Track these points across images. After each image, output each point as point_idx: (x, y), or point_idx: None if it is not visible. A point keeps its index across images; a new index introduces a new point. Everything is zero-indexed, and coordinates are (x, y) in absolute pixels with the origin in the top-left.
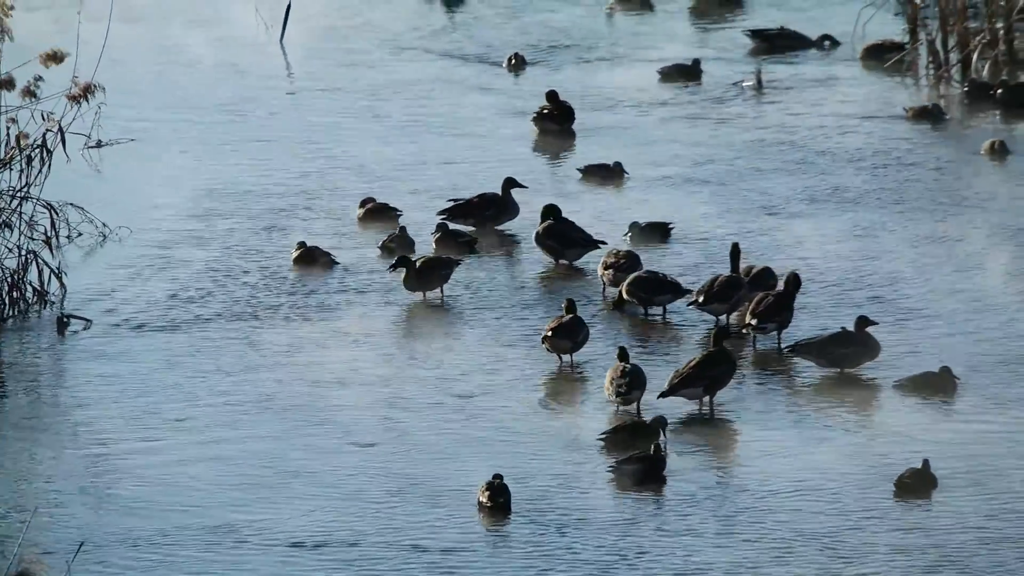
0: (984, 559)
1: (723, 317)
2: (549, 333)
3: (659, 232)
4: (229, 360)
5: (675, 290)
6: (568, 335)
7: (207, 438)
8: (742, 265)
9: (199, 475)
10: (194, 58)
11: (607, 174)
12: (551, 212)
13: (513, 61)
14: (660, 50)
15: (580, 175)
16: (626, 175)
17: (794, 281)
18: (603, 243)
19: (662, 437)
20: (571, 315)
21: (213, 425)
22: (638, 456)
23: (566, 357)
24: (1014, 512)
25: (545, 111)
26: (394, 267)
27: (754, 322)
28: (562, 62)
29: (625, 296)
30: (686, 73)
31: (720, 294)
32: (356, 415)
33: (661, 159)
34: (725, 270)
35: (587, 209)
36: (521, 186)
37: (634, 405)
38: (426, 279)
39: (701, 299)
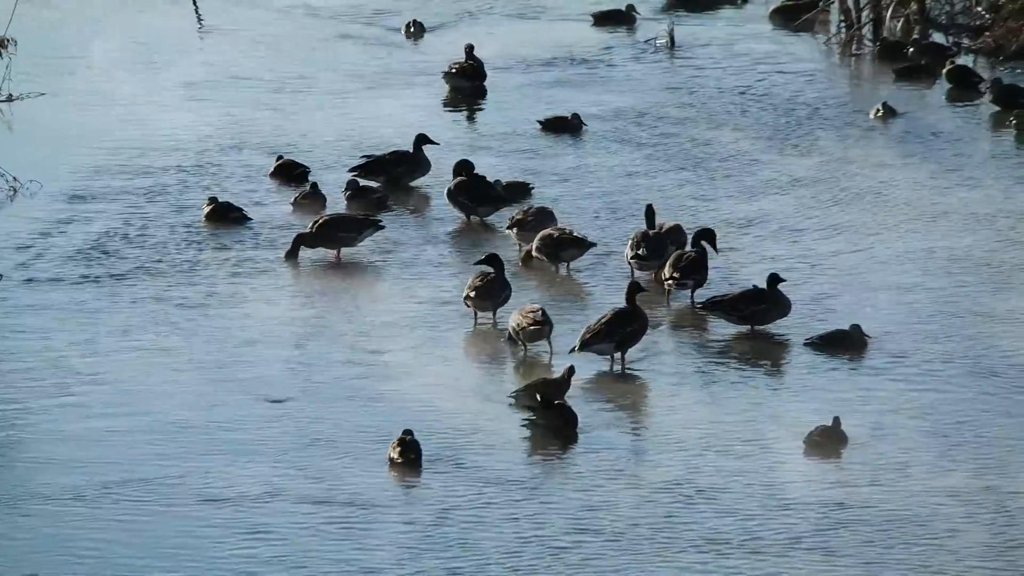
0: (893, 514)
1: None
2: (472, 293)
3: (520, 191)
4: (141, 315)
5: (579, 245)
6: (490, 295)
7: (120, 392)
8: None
9: (111, 430)
10: (104, 14)
11: (564, 126)
12: (464, 168)
13: (411, 28)
14: (573, 7)
15: (539, 127)
16: (584, 127)
17: (707, 238)
18: (514, 202)
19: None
20: (494, 274)
21: (126, 380)
22: (542, 411)
23: (484, 315)
24: (923, 469)
25: (455, 69)
26: (290, 254)
27: (676, 275)
28: (465, 24)
29: (534, 254)
30: (619, 18)
31: (658, 251)
32: (268, 371)
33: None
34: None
35: (547, 164)
36: (433, 142)
37: (545, 343)
38: (325, 237)
39: (642, 251)
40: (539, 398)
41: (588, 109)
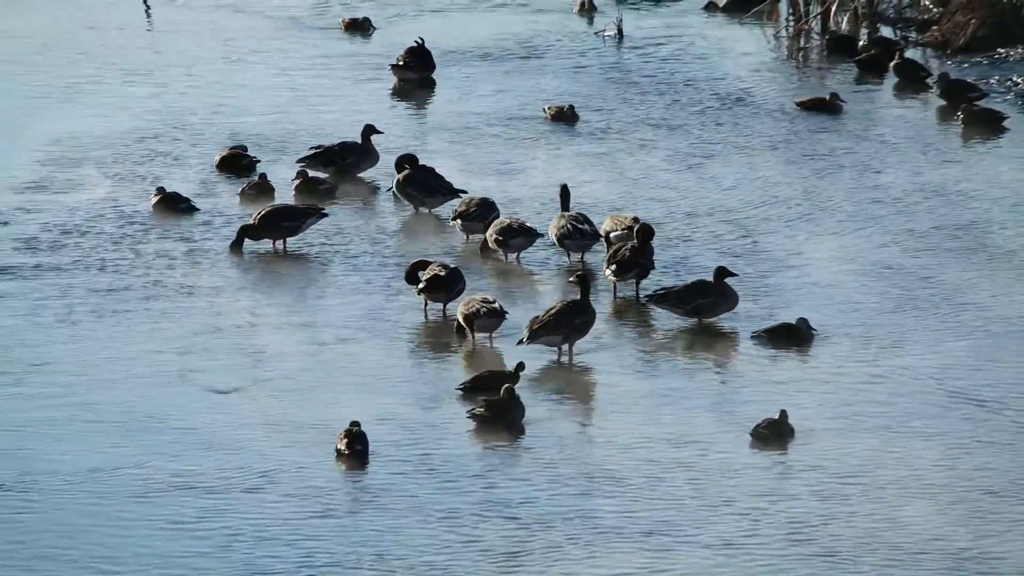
0: (840, 507)
1: (577, 257)
2: (423, 285)
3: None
4: (88, 307)
5: (528, 234)
6: (444, 288)
7: (66, 383)
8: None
9: (58, 420)
10: (50, 5)
11: (562, 116)
12: (406, 161)
13: (359, 22)
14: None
15: (545, 115)
16: (578, 119)
17: (645, 232)
18: (463, 192)
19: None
20: (450, 267)
21: (72, 371)
22: (488, 402)
23: (435, 305)
24: (868, 462)
25: (403, 60)
26: (234, 246)
27: (613, 267)
28: (414, 16)
29: (490, 244)
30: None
31: (584, 231)
32: (216, 362)
33: (521, 106)
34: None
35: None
36: (379, 132)
37: (489, 336)
38: (268, 227)
39: (545, 238)
40: (484, 407)
41: (535, 100)
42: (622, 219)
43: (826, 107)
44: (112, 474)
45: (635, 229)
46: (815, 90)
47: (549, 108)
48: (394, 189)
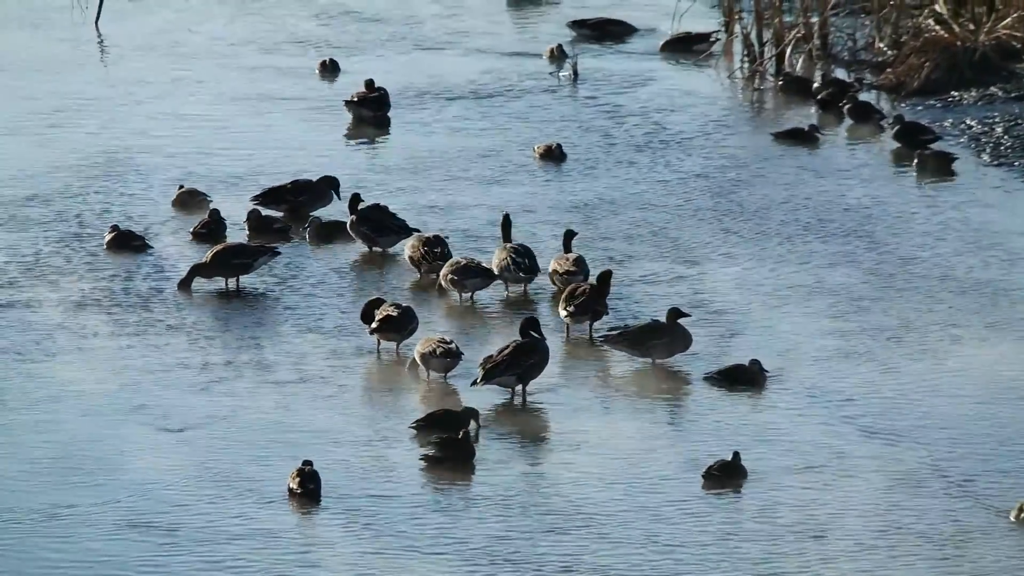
0: (791, 548)
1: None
2: (376, 324)
3: (335, 230)
4: (39, 345)
5: (485, 274)
6: (396, 328)
7: (12, 422)
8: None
9: (2, 460)
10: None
11: (550, 154)
12: (357, 200)
13: (327, 64)
14: (477, 40)
15: (534, 153)
16: (566, 157)
17: (604, 276)
18: (416, 230)
19: (472, 425)
20: (403, 307)
21: (19, 408)
22: (443, 441)
23: (388, 344)
24: (822, 504)
25: (357, 98)
26: (183, 284)
27: (571, 308)
28: (375, 56)
29: (442, 283)
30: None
31: (534, 265)
32: (168, 401)
33: (477, 147)
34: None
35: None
36: (338, 195)
37: (444, 376)
38: (220, 265)
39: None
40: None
41: (488, 140)
42: (564, 261)
43: (803, 137)
44: (58, 514)
45: (598, 276)
46: (777, 126)
47: (538, 147)
48: (348, 228)
